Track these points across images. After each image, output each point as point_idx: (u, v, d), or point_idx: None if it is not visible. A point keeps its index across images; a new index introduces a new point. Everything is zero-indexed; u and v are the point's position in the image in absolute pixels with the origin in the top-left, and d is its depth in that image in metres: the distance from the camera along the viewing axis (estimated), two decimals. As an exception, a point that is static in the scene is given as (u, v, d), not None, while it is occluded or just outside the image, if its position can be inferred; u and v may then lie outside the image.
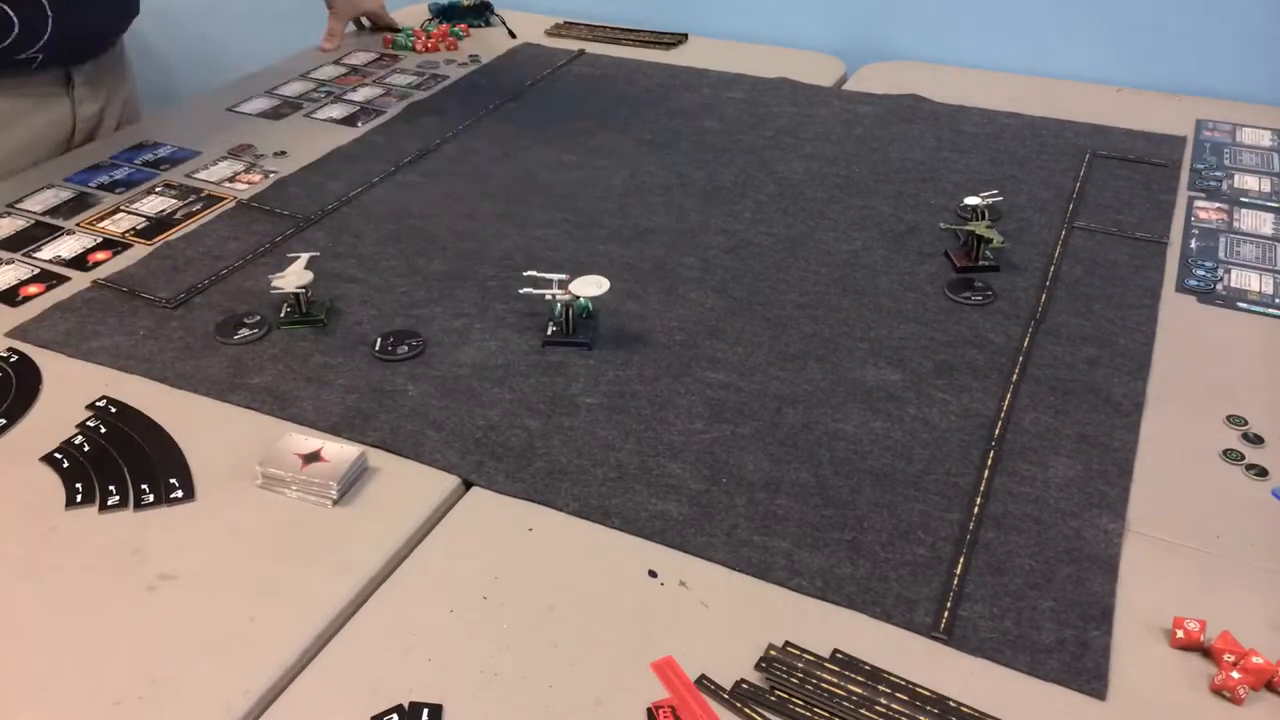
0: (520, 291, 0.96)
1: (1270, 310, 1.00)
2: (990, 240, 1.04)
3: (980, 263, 1.05)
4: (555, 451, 0.81)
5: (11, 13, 1.12)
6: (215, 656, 0.65)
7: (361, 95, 1.48)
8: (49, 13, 1.16)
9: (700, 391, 0.88)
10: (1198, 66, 1.50)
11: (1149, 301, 1.00)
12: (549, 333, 0.94)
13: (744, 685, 0.63)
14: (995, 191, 1.13)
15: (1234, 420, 0.85)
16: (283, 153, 1.29)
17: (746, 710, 0.61)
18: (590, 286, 0.92)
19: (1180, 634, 0.66)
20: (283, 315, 0.96)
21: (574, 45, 1.68)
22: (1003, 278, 1.04)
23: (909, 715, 0.61)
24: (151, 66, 2.49)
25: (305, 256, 0.98)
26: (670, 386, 0.89)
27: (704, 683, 0.63)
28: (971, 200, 1.11)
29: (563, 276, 0.93)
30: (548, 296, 0.93)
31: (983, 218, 1.09)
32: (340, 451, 0.79)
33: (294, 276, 0.95)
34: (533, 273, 0.95)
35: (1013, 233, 1.12)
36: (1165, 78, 1.52)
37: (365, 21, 1.75)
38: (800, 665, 0.64)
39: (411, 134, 1.35)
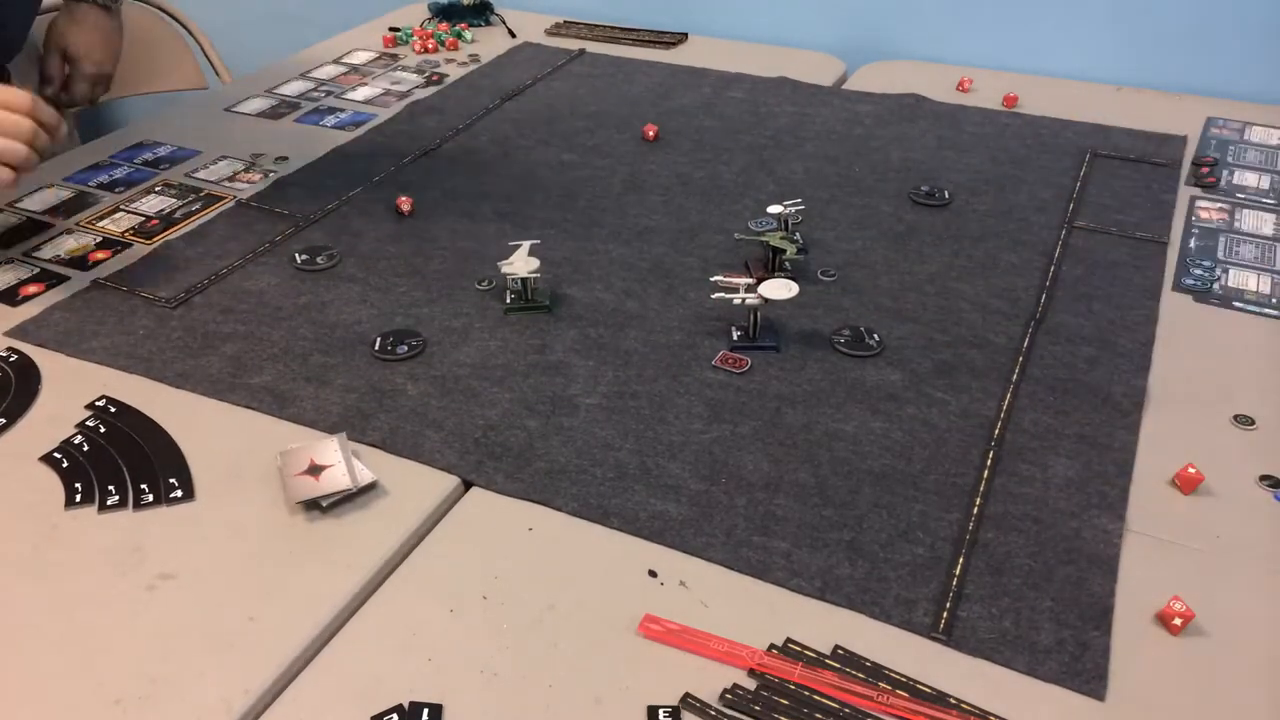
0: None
1: (1266, 310, 1.00)
2: (785, 251, 1.01)
3: (777, 274, 1.01)
4: (555, 451, 0.81)
5: None
6: (215, 656, 0.65)
7: (361, 95, 1.48)
8: None
9: (700, 391, 0.88)
10: (1199, 65, 1.50)
11: (1149, 301, 1.00)
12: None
13: (738, 690, 0.63)
14: (799, 200, 1.08)
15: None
16: (284, 158, 1.29)
17: (740, 715, 0.61)
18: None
19: (1177, 621, 0.66)
20: (509, 302, 0.98)
21: (574, 45, 1.68)
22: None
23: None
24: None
25: (526, 244, 0.99)
26: (670, 386, 0.89)
27: (690, 698, 0.63)
28: (774, 209, 1.07)
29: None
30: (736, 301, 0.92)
31: (785, 227, 1.06)
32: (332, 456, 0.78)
33: (521, 263, 0.97)
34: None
35: (1013, 232, 1.12)
36: (1166, 77, 1.51)
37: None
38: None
39: (411, 134, 1.35)
